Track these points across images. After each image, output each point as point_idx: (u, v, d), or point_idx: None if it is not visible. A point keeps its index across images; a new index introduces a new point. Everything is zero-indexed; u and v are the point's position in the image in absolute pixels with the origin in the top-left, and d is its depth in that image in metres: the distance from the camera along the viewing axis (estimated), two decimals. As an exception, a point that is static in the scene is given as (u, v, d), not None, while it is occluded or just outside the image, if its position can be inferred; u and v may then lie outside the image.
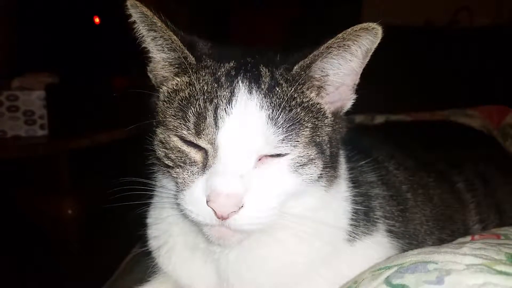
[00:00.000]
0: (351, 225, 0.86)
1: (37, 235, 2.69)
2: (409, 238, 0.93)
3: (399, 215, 0.94)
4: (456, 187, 1.13)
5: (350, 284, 0.78)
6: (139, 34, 0.79)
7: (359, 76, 0.79)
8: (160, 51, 0.80)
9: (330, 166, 0.79)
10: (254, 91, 0.72)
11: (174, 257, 0.91)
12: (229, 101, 0.71)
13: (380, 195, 0.93)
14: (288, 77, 0.76)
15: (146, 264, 0.99)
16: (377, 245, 0.88)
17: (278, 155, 0.72)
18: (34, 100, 2.59)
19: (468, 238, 0.86)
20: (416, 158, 1.13)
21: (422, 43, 3.17)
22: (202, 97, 0.72)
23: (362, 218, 0.88)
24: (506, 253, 0.71)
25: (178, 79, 0.79)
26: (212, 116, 0.70)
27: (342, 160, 0.88)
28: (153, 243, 0.95)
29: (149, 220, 0.96)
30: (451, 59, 3.07)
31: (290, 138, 0.72)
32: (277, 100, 0.72)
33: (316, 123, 0.76)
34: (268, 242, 0.81)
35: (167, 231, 0.91)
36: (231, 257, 0.83)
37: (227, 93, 0.72)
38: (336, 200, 0.86)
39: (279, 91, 0.73)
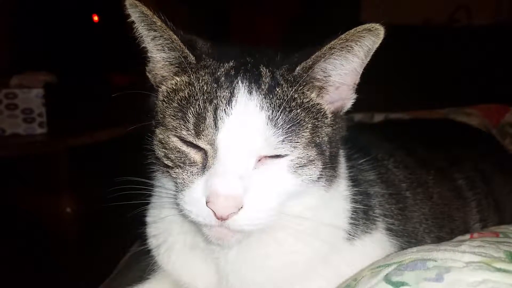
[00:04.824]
0: (350, 224, 0.86)
1: (36, 233, 2.68)
2: (408, 237, 0.93)
3: (398, 213, 0.94)
4: (457, 184, 1.13)
5: (349, 281, 0.78)
6: (139, 34, 0.78)
7: (359, 75, 0.79)
8: (160, 51, 0.79)
9: (330, 166, 0.79)
10: (254, 92, 0.72)
11: (173, 255, 0.91)
12: (229, 102, 0.71)
13: (380, 194, 0.93)
14: (289, 78, 0.75)
15: (145, 262, 0.99)
16: (376, 244, 0.88)
17: (278, 156, 0.72)
18: (33, 98, 2.58)
19: (467, 236, 0.86)
20: (416, 156, 1.13)
21: (421, 42, 3.17)
22: (201, 97, 0.72)
23: (362, 217, 0.88)
24: (505, 251, 0.71)
25: (178, 79, 0.79)
26: (212, 116, 0.70)
27: (341, 159, 0.89)
28: (152, 242, 0.95)
29: (148, 219, 0.96)
30: (449, 58, 3.07)
31: (290, 139, 0.71)
32: (277, 101, 0.72)
33: (316, 123, 0.76)
34: (267, 242, 0.82)
35: (166, 230, 0.91)
36: (230, 256, 0.83)
37: (227, 93, 0.72)
38: (336, 200, 0.86)
39: (279, 91, 0.73)
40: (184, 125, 0.72)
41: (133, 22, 0.77)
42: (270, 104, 0.71)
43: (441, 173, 1.12)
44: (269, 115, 0.71)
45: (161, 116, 0.77)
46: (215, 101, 0.71)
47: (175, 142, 0.75)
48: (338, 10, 3.52)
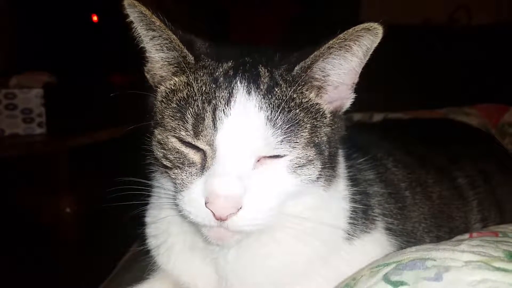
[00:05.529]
0: (349, 223, 0.86)
1: (36, 233, 2.68)
2: (407, 236, 0.93)
3: (398, 213, 0.94)
4: (458, 184, 1.13)
5: (348, 281, 0.78)
6: (137, 34, 0.78)
7: (358, 75, 0.79)
8: (159, 51, 0.79)
9: (329, 166, 0.79)
10: (252, 92, 0.72)
11: (173, 255, 0.91)
12: (228, 102, 0.71)
13: (379, 193, 0.93)
14: (288, 78, 0.75)
15: (145, 262, 0.99)
16: (375, 243, 0.88)
17: (277, 156, 0.72)
18: (32, 98, 2.59)
19: (466, 235, 0.86)
20: (415, 155, 1.13)
21: (420, 41, 3.17)
22: (200, 98, 0.72)
23: (361, 217, 0.88)
24: (504, 250, 0.71)
25: (176, 79, 0.79)
26: (211, 117, 0.70)
27: (340, 159, 0.88)
28: (152, 242, 0.95)
29: (147, 219, 0.96)
30: (449, 57, 3.07)
31: (289, 140, 0.71)
32: (276, 101, 0.72)
33: (315, 123, 0.76)
34: (267, 242, 0.82)
35: (166, 230, 0.91)
36: (230, 256, 0.83)
37: (226, 94, 0.72)
38: (335, 199, 0.86)
39: (278, 92, 0.73)
40: (183, 126, 0.72)
41: (131, 22, 0.77)
42: (269, 104, 0.71)
43: (441, 173, 1.12)
44: (268, 115, 0.71)
45: (160, 116, 0.77)
46: (213, 102, 0.71)
47: (174, 142, 0.75)
48: (337, 10, 3.52)
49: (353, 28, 0.72)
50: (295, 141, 0.72)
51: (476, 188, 1.15)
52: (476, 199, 1.12)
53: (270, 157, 0.72)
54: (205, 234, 0.76)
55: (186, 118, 0.72)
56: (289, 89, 0.74)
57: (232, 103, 0.71)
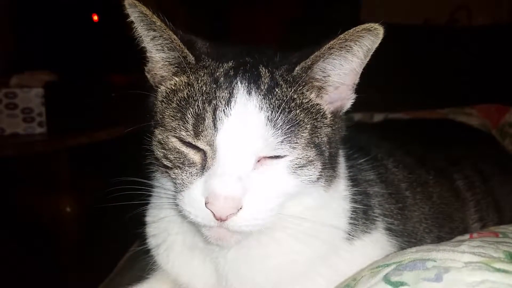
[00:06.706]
0: (350, 224, 0.86)
1: (36, 233, 2.68)
2: (408, 236, 0.93)
3: (398, 213, 0.94)
4: (456, 185, 1.13)
5: (349, 281, 0.78)
6: (138, 34, 0.78)
7: (359, 75, 0.79)
8: (159, 51, 0.79)
9: (329, 166, 0.79)
10: (253, 92, 0.72)
11: (172, 255, 0.91)
12: (228, 102, 0.71)
13: (379, 193, 0.93)
14: (289, 78, 0.75)
15: (144, 261, 0.99)
16: (376, 243, 0.89)
17: (277, 157, 0.72)
18: (33, 97, 2.58)
19: (467, 236, 0.86)
20: (415, 156, 1.13)
21: (421, 42, 3.17)
22: (200, 98, 0.72)
23: (361, 217, 0.88)
24: (504, 251, 0.71)
25: (177, 79, 0.79)
26: (211, 117, 0.70)
27: (341, 159, 0.89)
28: (152, 241, 0.95)
29: (148, 219, 0.96)
30: (450, 58, 3.07)
31: (289, 140, 0.71)
32: (276, 101, 0.72)
33: (315, 124, 0.76)
34: (267, 242, 0.82)
35: (165, 230, 0.92)
36: (229, 256, 0.83)
37: (226, 94, 0.72)
38: (335, 200, 0.86)
39: (279, 92, 0.73)
40: (183, 126, 0.72)
41: (132, 22, 0.77)
42: (269, 105, 0.71)
43: (441, 173, 1.12)
44: (268, 116, 0.71)
45: (160, 116, 0.77)
46: (214, 102, 0.71)
47: (174, 142, 0.75)
48: (338, 10, 3.52)
49: (354, 28, 0.72)
50: (295, 141, 0.72)
51: (474, 189, 1.15)
52: (474, 200, 1.13)
53: (271, 157, 0.72)
54: (205, 234, 0.76)
55: (186, 118, 0.72)
56: (289, 89, 0.74)
57: (233, 103, 0.71)
